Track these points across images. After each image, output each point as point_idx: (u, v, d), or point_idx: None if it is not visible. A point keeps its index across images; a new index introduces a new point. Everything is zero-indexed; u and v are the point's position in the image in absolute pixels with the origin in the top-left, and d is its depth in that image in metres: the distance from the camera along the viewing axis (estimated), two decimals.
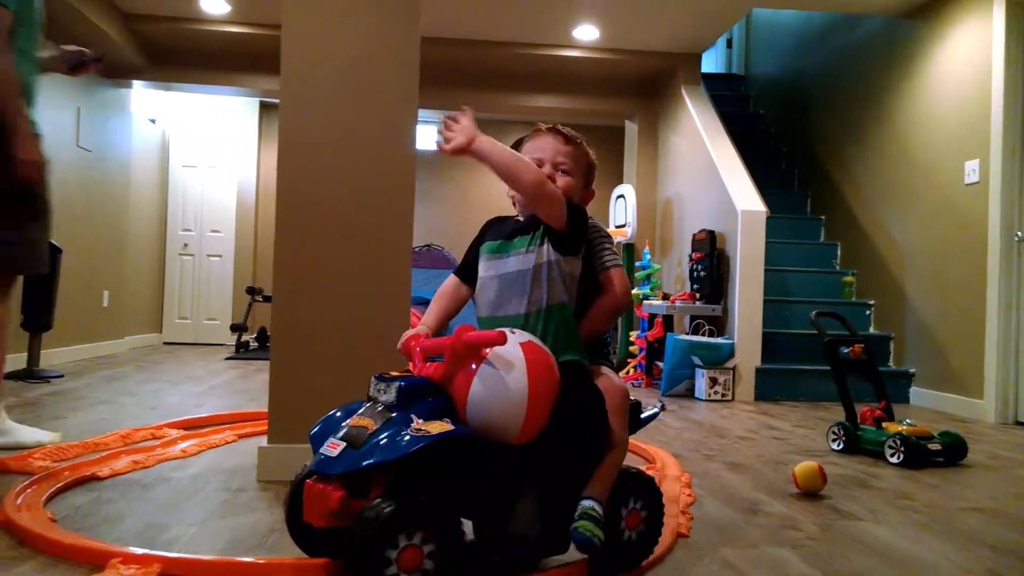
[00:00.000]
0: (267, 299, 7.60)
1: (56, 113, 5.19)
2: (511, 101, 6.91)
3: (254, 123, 8.62)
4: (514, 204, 1.75)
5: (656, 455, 2.86)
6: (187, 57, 6.43)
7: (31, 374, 4.65)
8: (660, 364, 5.36)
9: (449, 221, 8.80)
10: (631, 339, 5.94)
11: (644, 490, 1.67)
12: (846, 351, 3.35)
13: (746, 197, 5.25)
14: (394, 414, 1.41)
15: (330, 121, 2.38)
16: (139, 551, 1.58)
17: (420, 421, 1.40)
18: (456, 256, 6.45)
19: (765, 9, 7.72)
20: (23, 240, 2.60)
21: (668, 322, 5.60)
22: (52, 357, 5.21)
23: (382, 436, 1.37)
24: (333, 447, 1.40)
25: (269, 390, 2.41)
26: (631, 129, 7.29)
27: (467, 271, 1.72)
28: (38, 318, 4.70)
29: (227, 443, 2.91)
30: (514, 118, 8.33)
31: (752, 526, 2.08)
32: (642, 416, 1.81)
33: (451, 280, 1.74)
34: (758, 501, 2.36)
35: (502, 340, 1.44)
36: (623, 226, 6.60)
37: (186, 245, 8.39)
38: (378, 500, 1.31)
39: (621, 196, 6.76)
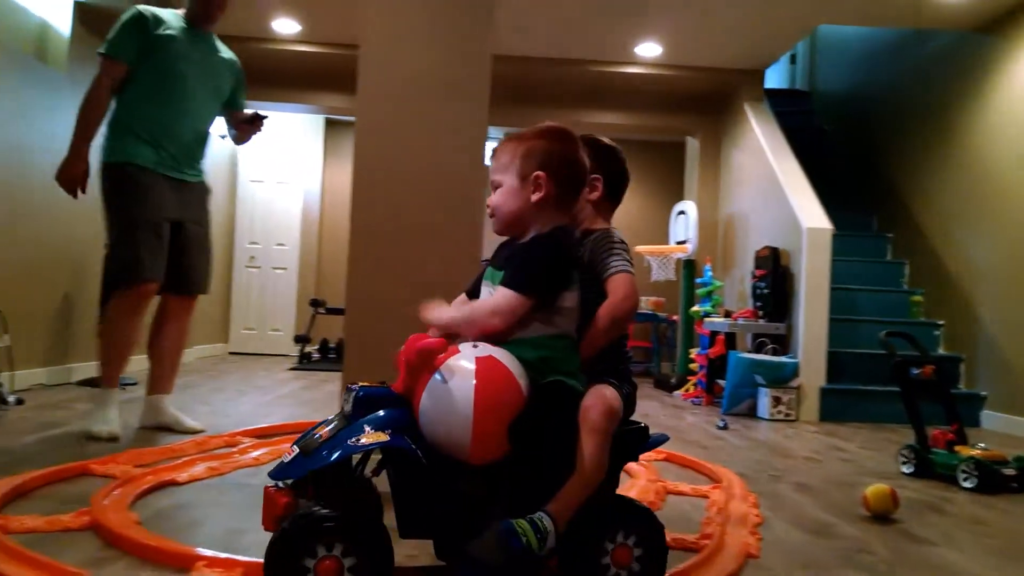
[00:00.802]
0: (330, 311, 7.74)
1: None
2: (572, 117, 6.93)
3: (319, 139, 8.82)
4: None
5: (721, 474, 2.84)
6: (257, 75, 6.57)
7: None
8: (721, 382, 5.31)
9: None
10: (691, 356, 5.89)
11: (639, 524, 1.53)
12: (916, 372, 3.28)
13: (811, 214, 5.19)
14: (349, 424, 1.42)
15: (404, 138, 2.44)
16: (223, 555, 1.63)
17: (369, 431, 1.38)
18: None
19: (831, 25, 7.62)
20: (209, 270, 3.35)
21: (730, 340, 5.55)
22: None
23: (325, 445, 1.39)
24: (289, 454, 1.43)
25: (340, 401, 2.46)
26: (692, 145, 7.26)
27: (475, 291, 1.68)
28: None
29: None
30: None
31: (824, 549, 2.05)
32: (648, 442, 1.67)
33: (460, 299, 1.72)
34: (828, 523, 2.33)
35: (440, 348, 1.41)
36: (684, 242, 6.57)
37: (252, 258, 8.60)
38: (301, 510, 1.34)
39: (682, 212, 6.73)
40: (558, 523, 1.43)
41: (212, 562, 1.59)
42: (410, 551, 1.69)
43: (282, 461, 1.43)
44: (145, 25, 3.08)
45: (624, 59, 6.33)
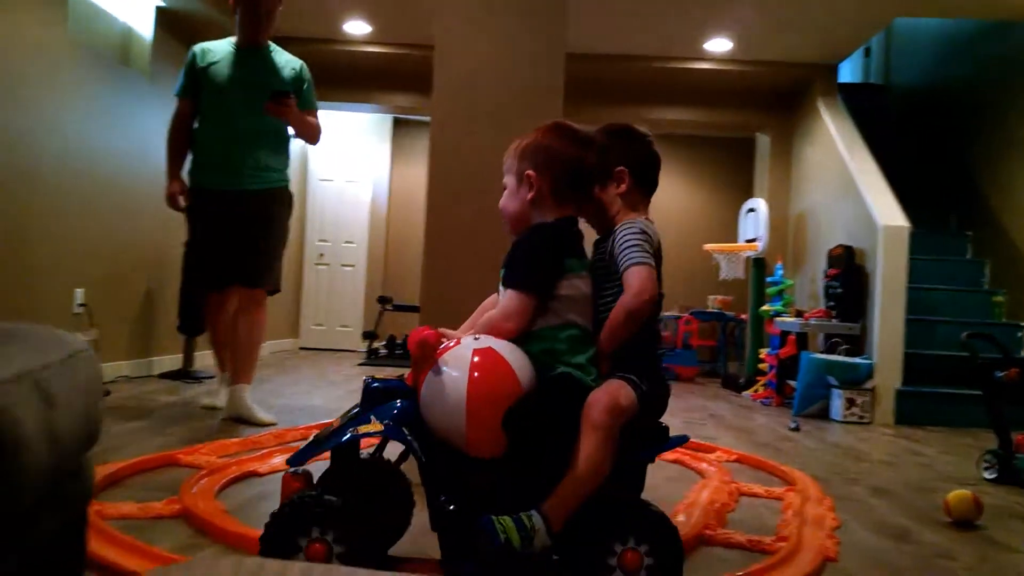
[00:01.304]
0: (397, 308, 7.86)
1: None
2: (639, 114, 6.89)
3: (387, 139, 8.94)
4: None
5: (795, 476, 2.80)
6: (328, 76, 6.72)
7: (187, 375, 4.97)
8: (792, 383, 5.22)
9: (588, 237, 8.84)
10: (761, 356, 5.80)
11: (651, 530, 1.45)
12: (1001, 375, 3.18)
13: (888, 212, 5.06)
14: (359, 415, 1.49)
15: (478, 137, 2.46)
16: None
17: (375, 422, 1.43)
18: None
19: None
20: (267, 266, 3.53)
21: (802, 340, 5.45)
22: (204, 359, 5.55)
23: (332, 434, 1.47)
24: (305, 441, 1.50)
25: None
26: (763, 141, 7.14)
27: None
28: (193, 323, 5.03)
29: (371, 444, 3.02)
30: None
31: (904, 554, 2.01)
32: (665, 444, 1.62)
33: (492, 298, 1.72)
34: (908, 528, 2.28)
35: (432, 339, 1.44)
36: (753, 240, 6.47)
37: (322, 255, 8.77)
38: (295, 495, 1.41)
39: (752, 210, 6.63)
40: (551, 521, 1.40)
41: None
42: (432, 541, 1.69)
43: (299, 449, 1.51)
44: (193, 62, 3.43)
45: (693, 55, 6.27)
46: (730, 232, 7.77)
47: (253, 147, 3.43)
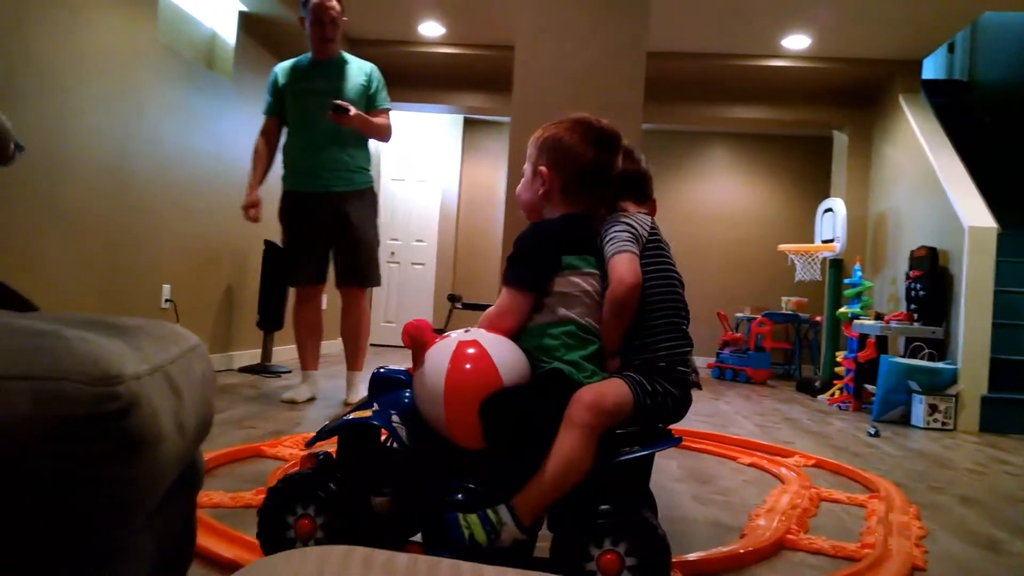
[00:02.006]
0: (467, 306, 7.91)
1: None
2: (712, 112, 6.82)
3: (458, 139, 9.02)
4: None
5: (877, 483, 2.73)
6: (402, 77, 6.84)
7: (264, 369, 5.11)
8: (870, 387, 5.09)
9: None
10: (838, 359, 5.67)
11: (634, 533, 1.39)
12: None
13: (974, 212, 4.89)
14: (365, 402, 1.56)
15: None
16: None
17: (375, 409, 1.52)
18: None
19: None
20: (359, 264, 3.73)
21: (881, 343, 5.30)
22: (281, 354, 5.70)
23: (336, 419, 1.55)
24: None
25: None
26: (840, 140, 6.98)
27: None
28: (271, 319, 5.17)
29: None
30: (715, 129, 8.23)
31: (995, 565, 1.95)
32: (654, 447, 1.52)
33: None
34: (998, 539, 2.21)
35: (414, 330, 1.49)
36: (831, 241, 6.33)
37: (393, 253, 8.91)
38: (287, 475, 1.49)
39: (829, 210, 6.48)
40: (520, 516, 1.40)
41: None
42: None
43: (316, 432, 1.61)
44: (275, 81, 3.75)
45: (770, 52, 6.16)
46: (806, 232, 7.62)
47: (335, 151, 3.64)
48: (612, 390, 1.46)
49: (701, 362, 7.37)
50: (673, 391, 1.53)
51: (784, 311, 7.58)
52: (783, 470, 2.88)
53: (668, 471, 2.83)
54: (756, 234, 8.54)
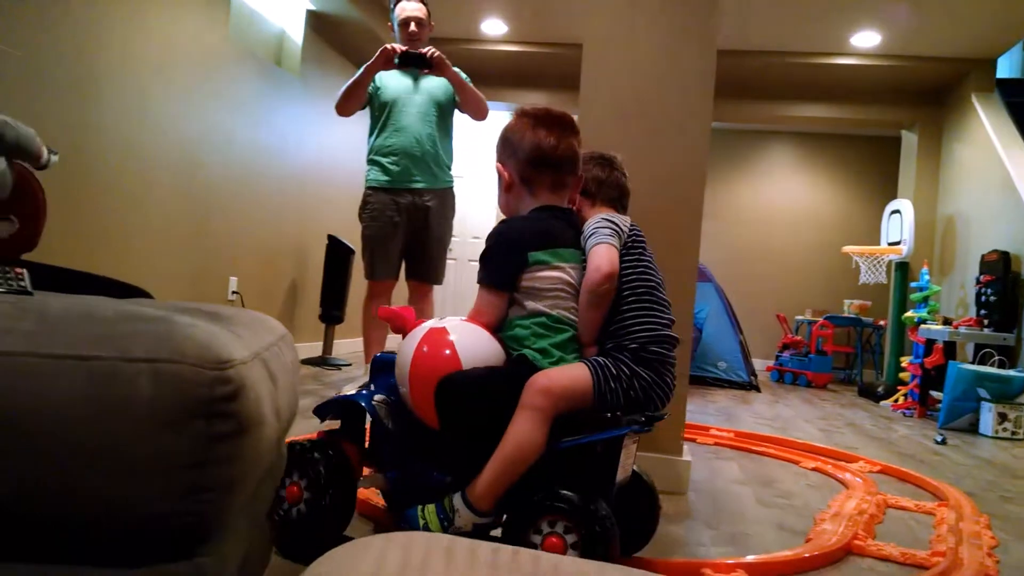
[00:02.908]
0: None
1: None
2: (778, 111, 6.71)
3: None
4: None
5: (947, 492, 2.67)
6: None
7: (324, 361, 5.20)
8: (936, 394, 4.96)
9: (722, 236, 8.72)
10: (903, 365, 5.55)
11: (574, 516, 1.39)
12: None
13: None
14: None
15: (627, 135, 2.46)
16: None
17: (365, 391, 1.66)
18: (711, 271, 6.37)
19: None
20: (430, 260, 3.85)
21: (949, 349, 5.17)
22: (340, 347, 5.79)
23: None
24: None
25: None
26: (909, 139, 6.81)
27: None
28: (332, 312, 5.26)
29: None
30: (779, 128, 8.10)
31: None
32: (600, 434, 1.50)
33: None
34: None
35: (384, 314, 1.66)
36: (898, 243, 6.18)
37: (451, 250, 8.95)
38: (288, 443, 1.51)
39: (896, 211, 6.34)
40: (474, 501, 1.44)
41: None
42: None
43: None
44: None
45: (838, 50, 6.04)
46: (871, 234, 7.46)
47: (422, 149, 3.70)
48: (564, 374, 1.50)
49: (760, 365, 7.26)
50: (643, 374, 1.53)
51: (847, 314, 7.43)
52: (847, 475, 2.83)
53: (729, 473, 2.81)
54: (818, 235, 8.38)
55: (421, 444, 1.59)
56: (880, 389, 5.92)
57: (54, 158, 1.67)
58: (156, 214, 3.72)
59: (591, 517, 1.37)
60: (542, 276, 1.58)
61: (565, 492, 1.40)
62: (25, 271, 0.89)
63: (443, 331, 1.56)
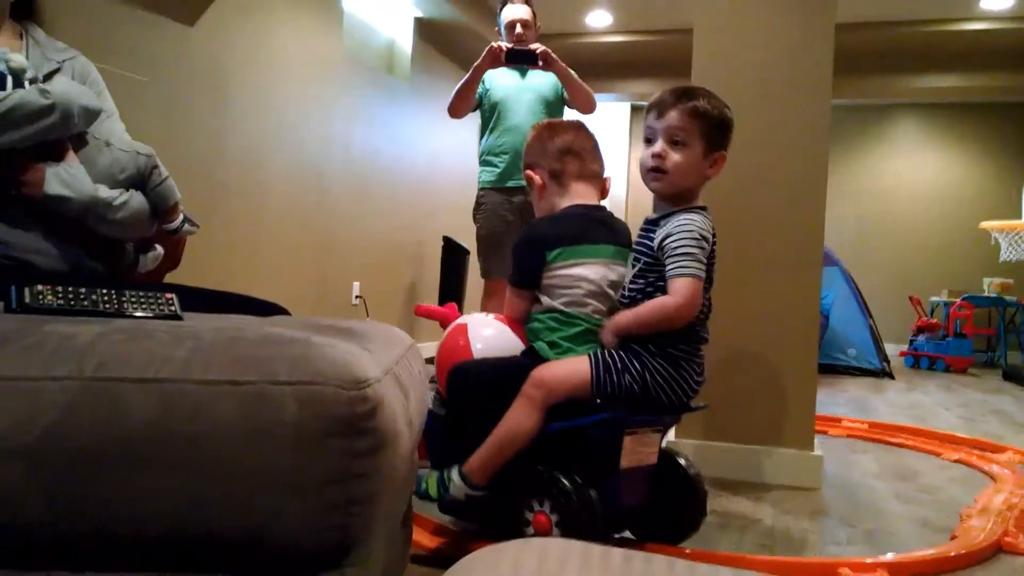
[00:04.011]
0: None
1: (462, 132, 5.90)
2: (902, 83, 6.38)
3: (625, 126, 8.98)
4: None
5: None
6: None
7: None
8: None
9: (847, 216, 8.41)
10: None
11: (559, 495, 1.49)
12: None
13: None
14: None
15: (740, 122, 2.40)
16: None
17: None
18: (835, 254, 6.13)
19: None
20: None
21: None
22: None
23: None
24: None
25: None
26: None
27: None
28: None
29: None
30: (905, 101, 7.72)
31: None
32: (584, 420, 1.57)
33: None
34: None
35: (427, 311, 1.98)
36: None
37: None
38: None
39: None
40: (468, 476, 1.58)
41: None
42: None
43: None
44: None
45: (967, 15, 5.68)
46: (1010, 208, 6.99)
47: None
48: (563, 366, 1.60)
49: (892, 350, 6.92)
50: (660, 368, 1.58)
51: (987, 294, 7.00)
52: (994, 467, 2.68)
53: (864, 467, 2.71)
54: (951, 211, 7.92)
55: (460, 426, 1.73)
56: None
57: (189, 228, 1.69)
58: (281, 223, 3.89)
59: (568, 498, 1.48)
60: (560, 274, 1.68)
61: (550, 473, 1.52)
62: (174, 296, 0.95)
63: (463, 325, 1.76)
